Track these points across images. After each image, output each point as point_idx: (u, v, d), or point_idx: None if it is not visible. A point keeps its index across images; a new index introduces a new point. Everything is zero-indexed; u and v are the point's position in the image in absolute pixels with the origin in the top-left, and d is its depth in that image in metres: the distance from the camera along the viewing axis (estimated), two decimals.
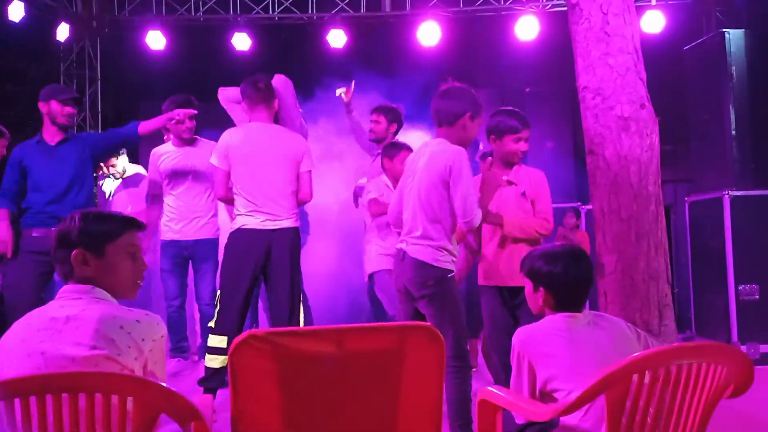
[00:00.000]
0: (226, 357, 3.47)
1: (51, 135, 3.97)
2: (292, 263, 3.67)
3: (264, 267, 3.65)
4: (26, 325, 1.73)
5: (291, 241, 3.68)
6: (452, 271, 3.03)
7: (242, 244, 3.62)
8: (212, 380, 3.60)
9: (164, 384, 1.61)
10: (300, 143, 3.85)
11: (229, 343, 3.54)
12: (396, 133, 4.66)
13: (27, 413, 1.53)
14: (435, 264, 2.96)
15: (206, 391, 3.57)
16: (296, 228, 3.73)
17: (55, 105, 3.95)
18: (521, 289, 3.17)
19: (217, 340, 3.59)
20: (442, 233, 2.99)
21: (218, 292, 3.77)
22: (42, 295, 3.80)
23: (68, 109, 3.96)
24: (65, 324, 1.70)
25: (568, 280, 2.15)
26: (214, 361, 3.59)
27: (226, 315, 3.60)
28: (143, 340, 1.75)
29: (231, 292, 3.60)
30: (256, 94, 3.76)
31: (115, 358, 1.69)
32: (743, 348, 4.70)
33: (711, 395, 1.87)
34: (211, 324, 3.76)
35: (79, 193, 3.95)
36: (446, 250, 3.00)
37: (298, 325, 3.80)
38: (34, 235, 3.87)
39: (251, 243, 3.60)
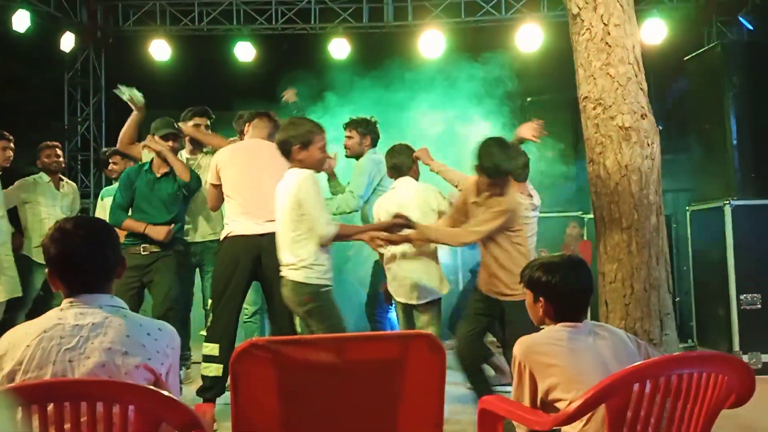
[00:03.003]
0: (220, 365, 3.56)
1: (157, 166, 4.24)
2: None
3: (257, 273, 3.66)
4: (42, 332, 1.72)
5: None
6: (326, 285, 3.16)
7: (232, 252, 3.65)
8: (210, 389, 3.61)
9: (179, 393, 1.62)
10: None
11: (221, 350, 3.57)
12: (372, 145, 4.49)
13: (29, 422, 1.54)
14: (307, 281, 3.13)
15: (206, 400, 3.57)
16: None
17: (158, 140, 4.20)
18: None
19: (209, 348, 3.61)
20: (308, 251, 3.11)
21: (209, 300, 3.81)
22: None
23: (169, 144, 4.19)
24: (92, 331, 1.72)
25: (566, 289, 2.15)
26: (207, 369, 3.61)
27: (219, 323, 3.61)
28: (168, 346, 1.81)
29: (223, 300, 3.61)
30: (269, 122, 3.90)
31: (147, 364, 1.73)
32: (745, 357, 4.69)
33: (712, 405, 1.87)
34: (203, 332, 3.78)
35: (166, 223, 4.13)
36: (315, 266, 3.13)
37: (296, 329, 3.81)
38: (129, 253, 4.06)
39: (241, 250, 3.63)
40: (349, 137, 4.48)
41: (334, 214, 4.37)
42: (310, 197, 3.07)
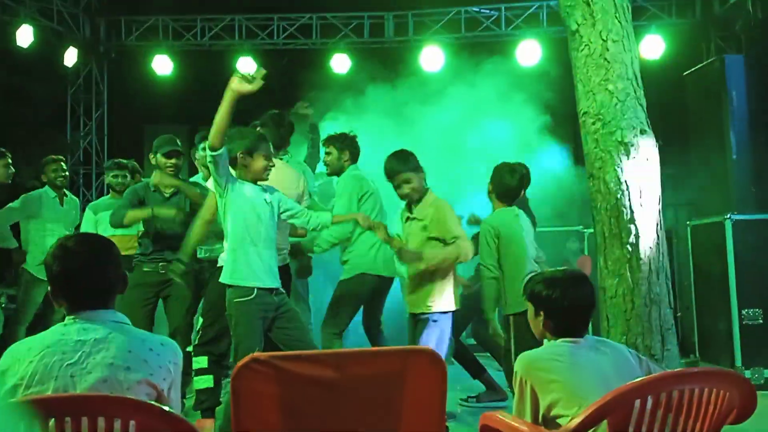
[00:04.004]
0: (210, 376, 3.56)
1: (163, 186, 4.13)
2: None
3: None
4: (44, 348, 1.72)
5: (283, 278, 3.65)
6: (238, 291, 3.16)
7: None
8: (205, 402, 3.61)
9: (179, 408, 1.63)
10: (296, 176, 3.85)
11: (209, 363, 3.60)
12: (353, 161, 4.33)
13: None
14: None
15: (204, 414, 3.57)
16: (285, 266, 3.65)
17: (160, 158, 4.11)
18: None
19: (199, 362, 3.63)
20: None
21: (200, 318, 3.80)
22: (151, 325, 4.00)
23: (172, 161, 4.09)
24: (94, 347, 1.73)
25: (565, 305, 2.15)
26: (199, 383, 3.61)
27: (208, 336, 3.64)
28: (170, 362, 1.81)
29: (215, 316, 3.61)
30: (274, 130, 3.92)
31: (149, 380, 1.74)
32: (747, 373, 4.67)
33: (714, 421, 1.87)
34: (189, 349, 3.78)
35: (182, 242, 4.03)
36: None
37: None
38: (144, 270, 4.04)
39: None
40: (327, 153, 4.38)
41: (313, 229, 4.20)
42: None
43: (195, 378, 3.65)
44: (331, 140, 4.39)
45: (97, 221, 4.93)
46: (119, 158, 5.44)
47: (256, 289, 3.13)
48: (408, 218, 3.51)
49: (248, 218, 3.19)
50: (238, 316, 3.14)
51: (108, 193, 5.43)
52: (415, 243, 3.42)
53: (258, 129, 3.96)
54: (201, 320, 3.77)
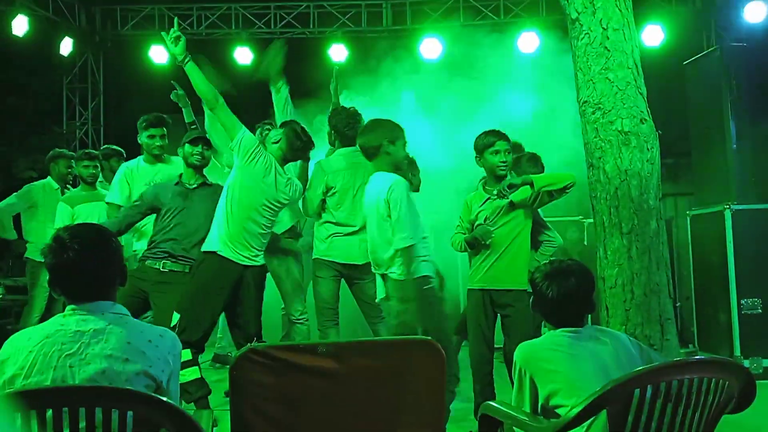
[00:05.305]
0: (195, 367, 3.55)
1: (188, 177, 3.97)
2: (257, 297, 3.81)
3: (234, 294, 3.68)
4: (44, 338, 1.73)
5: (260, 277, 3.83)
6: (421, 281, 3.21)
7: (217, 268, 3.62)
8: (196, 393, 3.58)
9: (178, 399, 1.63)
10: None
11: (192, 354, 3.58)
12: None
13: (28, 427, 1.53)
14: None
15: (198, 405, 3.56)
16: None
17: (186, 147, 3.93)
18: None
19: (183, 355, 3.59)
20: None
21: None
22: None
23: (198, 149, 3.91)
24: (93, 338, 1.73)
25: (545, 294, 2.17)
26: (186, 375, 3.57)
27: (191, 330, 3.59)
28: (169, 353, 1.82)
29: (199, 308, 3.61)
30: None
31: (147, 371, 1.74)
32: (746, 362, 4.68)
33: (713, 410, 1.87)
34: None
35: (202, 239, 3.84)
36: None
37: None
38: (147, 264, 3.86)
39: (226, 270, 3.61)
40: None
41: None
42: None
43: (181, 372, 3.59)
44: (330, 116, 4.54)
45: (74, 214, 4.77)
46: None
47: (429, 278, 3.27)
48: (489, 198, 3.50)
49: (415, 209, 3.27)
50: (430, 301, 3.21)
51: (78, 184, 5.27)
52: (503, 219, 3.48)
53: (271, 133, 4.00)
54: (176, 314, 3.65)
